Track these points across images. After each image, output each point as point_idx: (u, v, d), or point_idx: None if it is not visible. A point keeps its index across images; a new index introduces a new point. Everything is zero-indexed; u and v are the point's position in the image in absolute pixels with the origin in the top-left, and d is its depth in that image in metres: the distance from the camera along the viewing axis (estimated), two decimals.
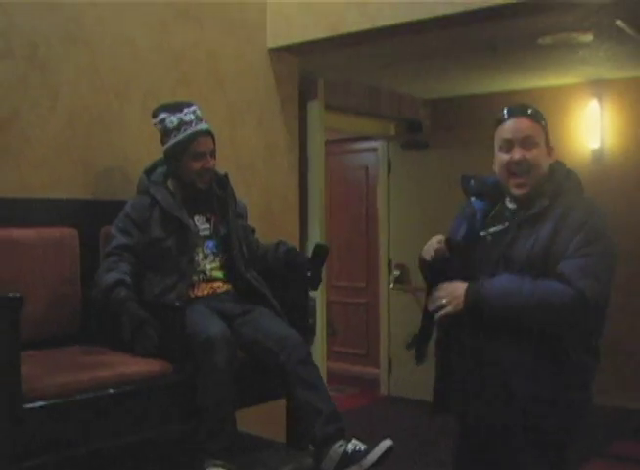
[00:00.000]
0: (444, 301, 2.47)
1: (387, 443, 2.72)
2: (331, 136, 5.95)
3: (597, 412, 2.63)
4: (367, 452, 2.72)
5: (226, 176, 3.32)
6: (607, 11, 4.09)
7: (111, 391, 2.60)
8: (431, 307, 2.54)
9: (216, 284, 3.18)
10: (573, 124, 6.03)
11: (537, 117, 2.48)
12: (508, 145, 2.47)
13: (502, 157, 2.49)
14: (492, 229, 2.51)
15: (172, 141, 3.17)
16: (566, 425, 2.41)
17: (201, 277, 3.15)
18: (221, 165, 3.27)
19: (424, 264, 2.65)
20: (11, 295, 2.35)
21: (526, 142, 2.45)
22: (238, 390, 2.83)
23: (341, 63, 5.14)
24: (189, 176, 3.17)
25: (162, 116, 3.18)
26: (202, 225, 3.23)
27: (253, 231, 3.45)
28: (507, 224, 2.48)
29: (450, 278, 2.54)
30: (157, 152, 3.29)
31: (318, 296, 3.77)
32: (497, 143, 2.52)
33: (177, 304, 2.90)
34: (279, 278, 3.37)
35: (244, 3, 4.23)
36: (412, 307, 6.59)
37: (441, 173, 6.57)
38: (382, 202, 7.08)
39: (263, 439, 3.28)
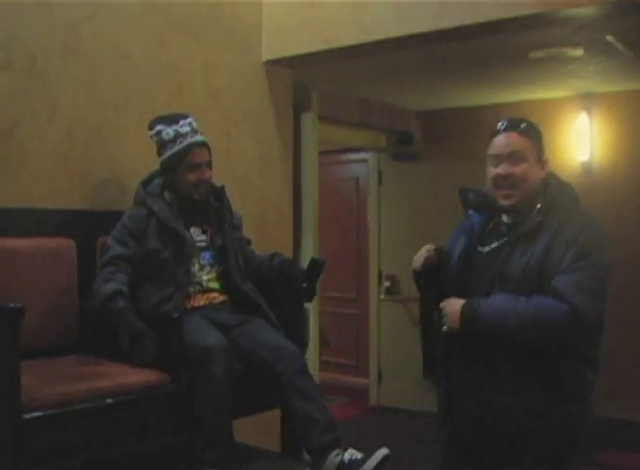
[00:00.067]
0: (444, 319, 2.49)
1: (383, 452, 2.74)
2: (321, 147, 5.98)
3: None
4: (363, 461, 2.73)
5: (222, 188, 3.35)
6: (597, 26, 4.15)
7: (109, 401, 2.62)
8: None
9: (212, 295, 3.21)
10: (563, 137, 6.08)
11: (528, 132, 2.48)
12: (497, 160, 2.48)
13: (491, 171, 2.52)
14: (491, 246, 2.53)
15: (168, 153, 3.19)
16: (565, 438, 2.42)
17: (197, 288, 3.17)
18: (216, 177, 3.30)
19: (415, 274, 2.68)
20: (12, 305, 2.38)
21: (513, 157, 2.45)
22: (234, 400, 2.86)
23: (334, 75, 5.18)
24: (185, 188, 3.19)
25: (159, 127, 3.21)
26: (198, 237, 3.25)
27: (249, 242, 3.48)
28: (505, 239, 2.50)
29: (444, 288, 2.57)
30: (153, 163, 3.32)
31: (311, 307, 3.78)
32: (487, 158, 2.55)
33: (175, 315, 2.92)
34: (274, 289, 3.40)
35: (239, 16, 4.27)
36: (402, 318, 6.64)
37: (432, 185, 6.63)
38: (372, 213, 7.11)
39: (258, 449, 3.29)
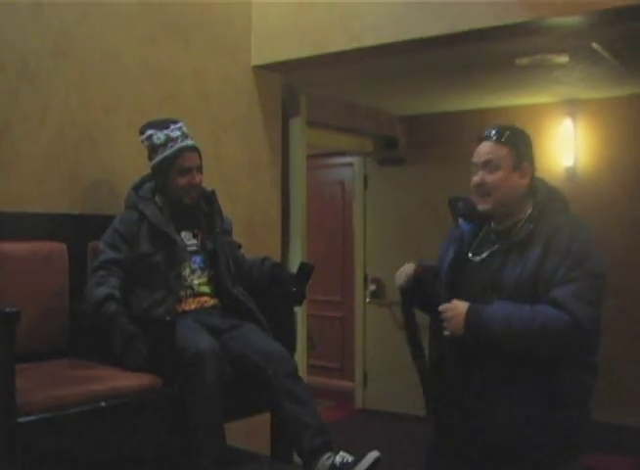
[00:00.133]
0: (445, 324, 2.48)
1: (374, 454, 2.76)
2: (307, 151, 6.00)
3: None
4: (355, 464, 2.75)
5: (213, 193, 3.37)
6: (583, 34, 4.19)
7: (103, 404, 2.62)
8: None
9: (204, 299, 3.22)
10: (547, 142, 6.13)
11: (505, 140, 2.49)
12: (475, 168, 2.53)
13: (472, 178, 2.57)
14: (482, 255, 2.56)
15: (159, 157, 3.21)
16: (564, 443, 2.44)
17: (188, 292, 3.19)
18: (205, 181, 3.31)
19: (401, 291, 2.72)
20: (8, 310, 2.39)
21: (487, 166, 2.49)
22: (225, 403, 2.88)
23: (322, 80, 5.20)
24: (176, 192, 3.21)
25: (149, 132, 3.23)
26: (189, 241, 3.26)
27: (239, 247, 3.50)
28: (496, 247, 2.53)
29: (431, 303, 2.61)
30: (143, 167, 3.33)
31: (299, 310, 3.80)
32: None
33: (167, 318, 2.93)
34: (264, 293, 3.41)
35: (228, 21, 4.28)
36: (388, 322, 6.68)
37: (417, 189, 6.67)
38: (358, 217, 7.14)
39: (248, 452, 3.31)
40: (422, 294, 2.67)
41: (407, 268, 2.68)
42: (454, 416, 2.55)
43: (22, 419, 2.39)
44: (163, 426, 2.84)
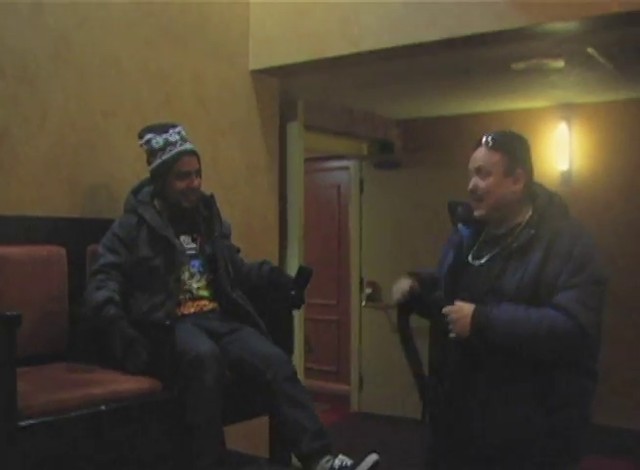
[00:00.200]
0: (450, 326, 2.49)
1: (373, 457, 2.78)
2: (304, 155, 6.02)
3: None
4: (354, 468, 2.77)
5: (212, 197, 3.38)
6: (579, 39, 4.22)
7: (103, 408, 2.63)
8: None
9: (202, 302, 3.23)
10: (543, 146, 6.15)
11: (498, 147, 2.52)
12: (470, 174, 2.58)
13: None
14: (482, 260, 2.58)
15: (158, 161, 3.22)
16: (565, 446, 2.46)
17: (187, 296, 3.20)
18: (203, 185, 3.32)
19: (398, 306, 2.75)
20: (9, 313, 2.39)
21: (480, 172, 2.54)
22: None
23: (319, 84, 5.21)
24: (174, 196, 3.22)
25: (148, 136, 3.24)
26: (187, 245, 3.27)
27: (238, 251, 3.51)
28: (496, 252, 2.55)
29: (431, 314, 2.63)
30: (142, 171, 3.35)
31: (296, 314, 3.81)
32: None
33: (167, 322, 2.94)
34: (262, 297, 3.43)
35: (226, 26, 4.30)
36: (383, 325, 6.70)
37: (413, 193, 6.70)
38: (354, 220, 7.16)
39: (247, 455, 3.33)
40: (421, 305, 2.70)
41: (403, 284, 2.71)
42: (454, 418, 2.57)
43: (23, 423, 2.39)
44: (163, 429, 2.85)
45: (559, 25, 3.68)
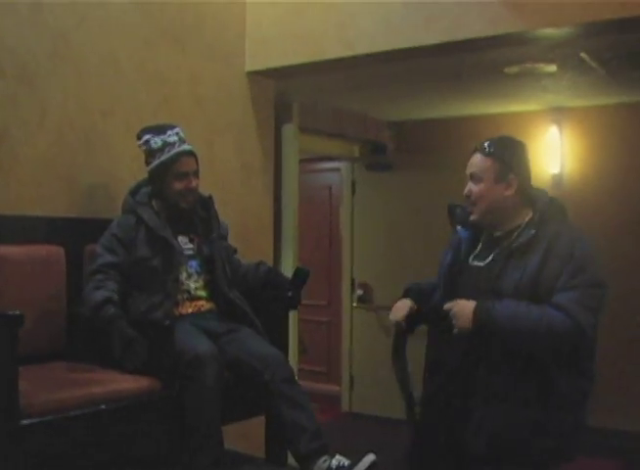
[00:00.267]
0: (453, 321, 2.54)
1: (370, 457, 2.81)
2: None
3: None
4: (351, 468, 2.80)
5: (210, 198, 3.40)
6: (571, 44, 4.26)
7: (103, 407, 2.65)
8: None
9: (200, 303, 3.25)
10: (534, 150, 6.03)
11: (490, 153, 2.58)
12: (467, 179, 2.65)
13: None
14: (482, 261, 2.62)
15: (156, 162, 3.23)
16: (557, 445, 2.50)
17: (185, 296, 3.22)
18: (199, 186, 3.33)
19: (398, 326, 2.79)
20: (11, 313, 2.41)
21: (473, 177, 2.62)
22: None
23: (313, 86, 5.24)
24: (173, 196, 3.23)
25: (147, 137, 3.25)
26: (185, 245, 3.29)
27: (235, 251, 3.53)
28: (496, 253, 2.59)
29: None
30: (139, 170, 3.36)
31: (291, 315, 3.83)
32: None
33: (166, 322, 2.95)
34: (259, 298, 3.45)
35: (223, 27, 4.31)
36: (374, 326, 6.73)
37: (405, 195, 6.71)
38: (345, 221, 7.17)
39: (244, 455, 3.34)
40: (420, 322, 2.77)
41: (403, 306, 2.76)
42: (451, 417, 2.60)
43: (24, 421, 2.41)
44: (162, 428, 2.86)
45: (552, 31, 3.72)
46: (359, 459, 2.81)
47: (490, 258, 2.59)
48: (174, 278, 3.17)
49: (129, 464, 2.75)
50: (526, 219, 2.57)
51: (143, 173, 3.32)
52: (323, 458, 2.85)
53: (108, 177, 3.64)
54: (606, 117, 6.06)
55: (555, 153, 6.22)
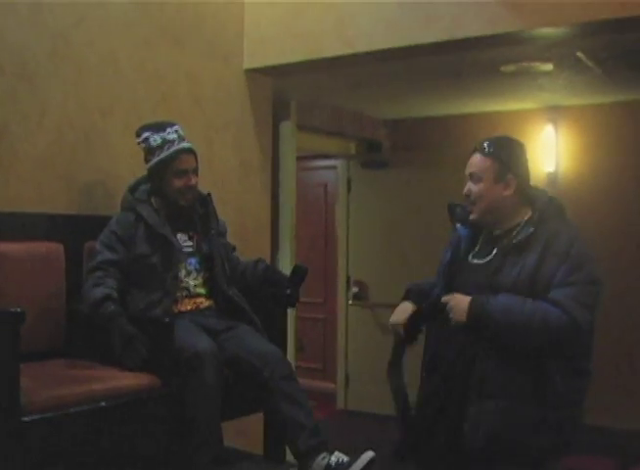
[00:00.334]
0: (449, 314, 2.57)
1: (369, 454, 2.83)
2: None
3: None
4: (350, 464, 2.82)
5: (209, 195, 3.41)
6: (568, 44, 4.28)
7: (104, 404, 2.66)
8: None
9: (199, 300, 3.26)
10: (529, 148, 6.01)
11: (490, 153, 2.61)
12: (466, 178, 2.67)
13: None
14: (482, 259, 2.64)
15: (156, 159, 3.24)
16: (552, 442, 2.52)
17: (184, 293, 3.23)
18: (198, 184, 3.34)
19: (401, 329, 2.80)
20: (13, 310, 2.42)
21: (472, 177, 2.65)
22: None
23: (311, 84, 5.25)
24: (172, 194, 3.24)
25: (146, 135, 3.26)
26: (184, 242, 3.30)
27: (234, 249, 3.54)
28: (495, 250, 2.61)
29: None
30: (137, 168, 3.37)
31: (289, 312, 3.85)
32: None
33: (167, 319, 2.96)
34: (257, 295, 3.46)
35: (222, 25, 4.32)
36: (370, 323, 6.75)
37: (400, 192, 6.73)
38: (341, 219, 7.18)
39: (242, 451, 3.36)
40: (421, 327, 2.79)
41: (404, 309, 2.79)
42: (447, 417, 2.62)
43: (26, 418, 2.42)
44: (162, 425, 2.87)
45: (550, 30, 3.75)
46: (358, 456, 2.84)
47: (489, 255, 2.62)
48: (173, 275, 3.18)
49: (129, 461, 2.77)
50: (526, 218, 2.59)
51: (142, 171, 3.33)
52: (322, 455, 2.87)
53: (106, 175, 3.65)
54: (601, 115, 6.09)
55: (550, 151, 6.25)
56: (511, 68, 4.90)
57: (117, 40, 3.73)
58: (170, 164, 3.22)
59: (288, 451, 3.33)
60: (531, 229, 2.53)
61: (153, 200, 3.29)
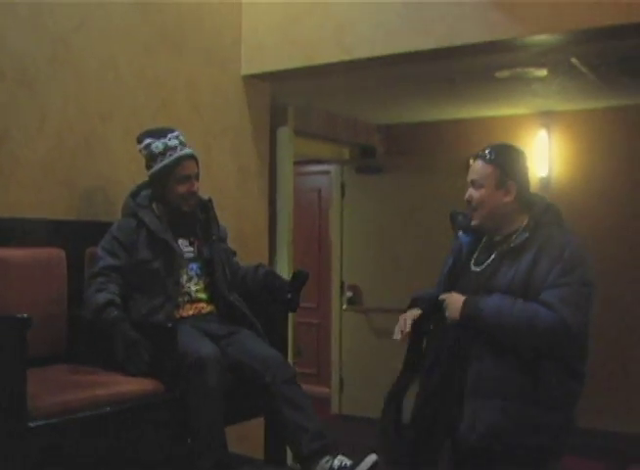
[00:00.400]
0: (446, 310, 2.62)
1: (372, 458, 2.84)
2: None
3: None
4: (353, 468, 2.83)
5: (210, 201, 3.42)
6: (562, 50, 4.32)
7: (108, 409, 2.67)
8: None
9: (201, 305, 3.27)
10: None
11: (491, 160, 2.65)
12: (468, 185, 2.71)
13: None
14: (482, 265, 2.68)
15: (158, 165, 3.25)
16: (546, 445, 2.55)
17: (186, 298, 3.24)
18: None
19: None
20: (19, 316, 2.43)
21: (474, 184, 2.68)
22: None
23: (306, 90, 5.27)
24: (175, 200, 3.25)
25: (148, 141, 3.27)
26: (185, 248, 3.31)
27: (234, 254, 3.56)
28: (493, 256, 2.65)
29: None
30: (137, 174, 3.39)
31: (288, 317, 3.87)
32: None
33: (169, 325, 2.97)
34: (257, 300, 3.48)
35: (219, 32, 4.33)
36: (364, 328, 6.77)
37: (394, 197, 6.74)
38: (335, 224, 7.18)
39: (243, 456, 3.36)
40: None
41: (409, 315, 2.80)
42: (446, 417, 2.65)
43: (32, 423, 2.43)
44: (165, 430, 2.89)
45: (545, 37, 3.79)
46: (361, 459, 2.84)
47: (487, 261, 2.66)
48: (175, 281, 3.19)
49: (133, 465, 2.77)
50: (523, 224, 2.63)
51: (142, 177, 3.34)
52: (325, 459, 2.87)
53: (107, 181, 3.66)
54: (594, 120, 6.13)
55: (543, 156, 6.29)
56: (505, 73, 4.94)
57: (118, 46, 3.74)
58: (173, 170, 3.23)
59: (289, 456, 3.36)
60: (526, 235, 2.58)
61: (154, 206, 3.30)
